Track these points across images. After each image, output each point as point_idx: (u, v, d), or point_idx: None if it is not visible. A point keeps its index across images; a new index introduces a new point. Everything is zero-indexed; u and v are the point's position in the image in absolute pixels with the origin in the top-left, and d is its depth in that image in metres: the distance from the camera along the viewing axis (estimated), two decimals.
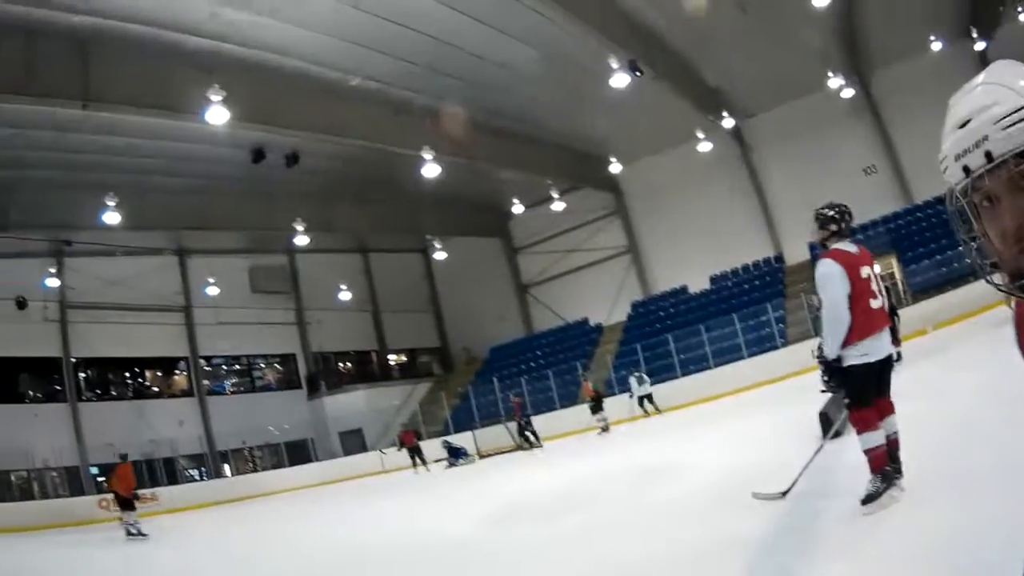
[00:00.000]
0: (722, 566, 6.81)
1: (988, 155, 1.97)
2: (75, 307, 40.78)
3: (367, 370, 54.20)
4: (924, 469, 7.68)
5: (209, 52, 24.59)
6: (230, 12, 24.11)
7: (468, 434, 37.26)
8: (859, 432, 7.35)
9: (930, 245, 33.92)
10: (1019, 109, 1.84)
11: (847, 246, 7.55)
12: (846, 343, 7.28)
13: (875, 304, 7.32)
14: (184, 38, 25.04)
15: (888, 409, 7.50)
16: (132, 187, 33.82)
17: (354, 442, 46.10)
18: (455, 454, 34.26)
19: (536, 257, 52.72)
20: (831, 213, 7.63)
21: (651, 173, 46.17)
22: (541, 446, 31.78)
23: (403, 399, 50.47)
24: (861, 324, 7.22)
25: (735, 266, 43.22)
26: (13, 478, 36.38)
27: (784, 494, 7.39)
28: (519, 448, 33.23)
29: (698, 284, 44.06)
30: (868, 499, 7.07)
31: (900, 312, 22.14)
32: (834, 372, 7.50)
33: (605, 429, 31.02)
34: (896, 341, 20.94)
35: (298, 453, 42.80)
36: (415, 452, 34.93)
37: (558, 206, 43.94)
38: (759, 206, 42.89)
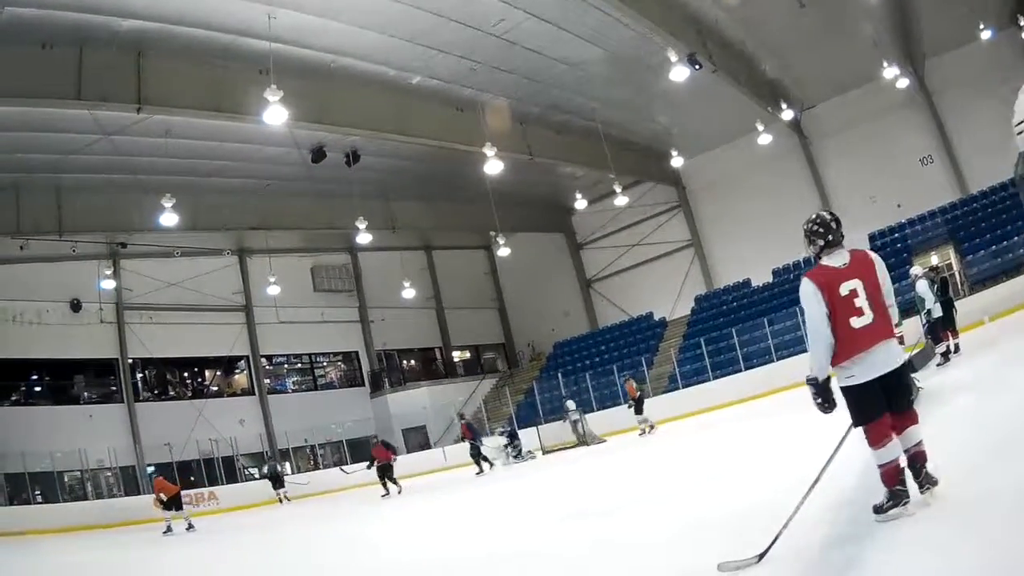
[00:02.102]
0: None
1: None
2: (132, 308, 41.19)
3: (431, 367, 54.34)
4: (979, 465, 7.49)
5: (265, 53, 24.53)
6: (286, 13, 24.14)
7: (532, 430, 36.97)
8: (871, 445, 7.04)
9: (987, 235, 33.36)
10: None
11: (835, 259, 7.19)
12: (833, 364, 7.05)
13: (857, 323, 6.95)
14: (239, 40, 25.22)
15: (906, 422, 7.06)
16: (190, 188, 34.29)
17: (418, 439, 46.15)
18: (513, 441, 34.05)
19: (600, 252, 52.67)
20: (815, 228, 7.30)
21: (713, 166, 46.14)
22: (492, 465, 31.80)
23: (467, 396, 50.38)
24: (844, 345, 6.96)
25: (797, 259, 42.63)
26: (66, 479, 36.65)
27: (760, 557, 6.89)
28: (581, 443, 33.01)
29: (761, 277, 43.65)
30: (876, 510, 6.92)
31: (957, 304, 21.80)
32: (822, 394, 7.14)
33: (649, 429, 30.52)
34: (954, 333, 20.55)
35: (360, 451, 42.77)
36: (384, 472, 30.01)
37: (621, 200, 43.58)
38: (819, 197, 42.40)
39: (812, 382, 7.10)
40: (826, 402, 7.14)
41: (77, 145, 29.42)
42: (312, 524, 23.48)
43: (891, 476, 6.88)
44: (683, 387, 37.61)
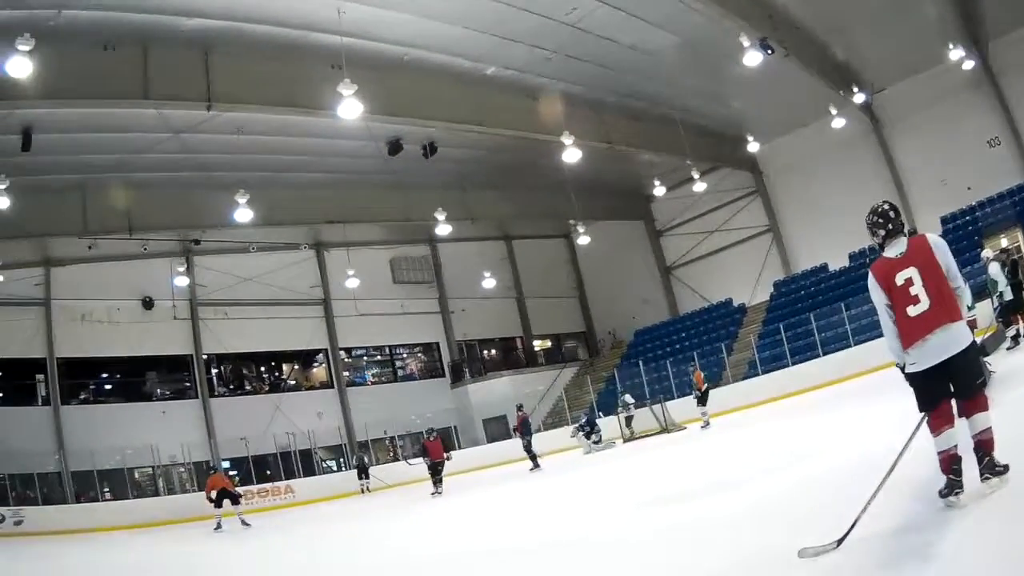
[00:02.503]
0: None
1: None
2: (206, 304, 41.85)
3: (512, 356, 54.39)
4: None
5: (336, 47, 24.71)
6: (355, 7, 24.31)
7: (613, 418, 36.98)
8: (930, 432, 7.14)
9: None
10: None
11: (892, 249, 7.35)
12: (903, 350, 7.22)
13: (913, 311, 7.06)
14: (309, 35, 25.48)
15: (973, 408, 7.07)
16: (264, 184, 34.76)
17: (498, 429, 46.24)
18: (590, 429, 34.06)
19: (679, 239, 52.48)
20: (875, 219, 7.52)
21: (788, 151, 45.78)
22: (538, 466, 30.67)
23: (548, 385, 50.52)
24: (904, 334, 7.13)
25: (872, 243, 42.17)
26: (137, 475, 37.48)
27: (839, 543, 6.89)
28: (664, 431, 32.96)
29: (838, 262, 43.30)
30: (941, 494, 6.94)
31: None
32: (905, 376, 7.35)
33: (704, 424, 30.12)
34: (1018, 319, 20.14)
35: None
36: (436, 470, 28.49)
37: (699, 187, 43.50)
38: (892, 180, 41.91)
39: (899, 367, 7.36)
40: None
41: (145, 144, 30.04)
42: (361, 520, 23.68)
43: (945, 464, 6.96)
44: (762, 373, 37.40)
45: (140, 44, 23.27)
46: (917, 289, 7.05)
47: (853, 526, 6.75)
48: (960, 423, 7.07)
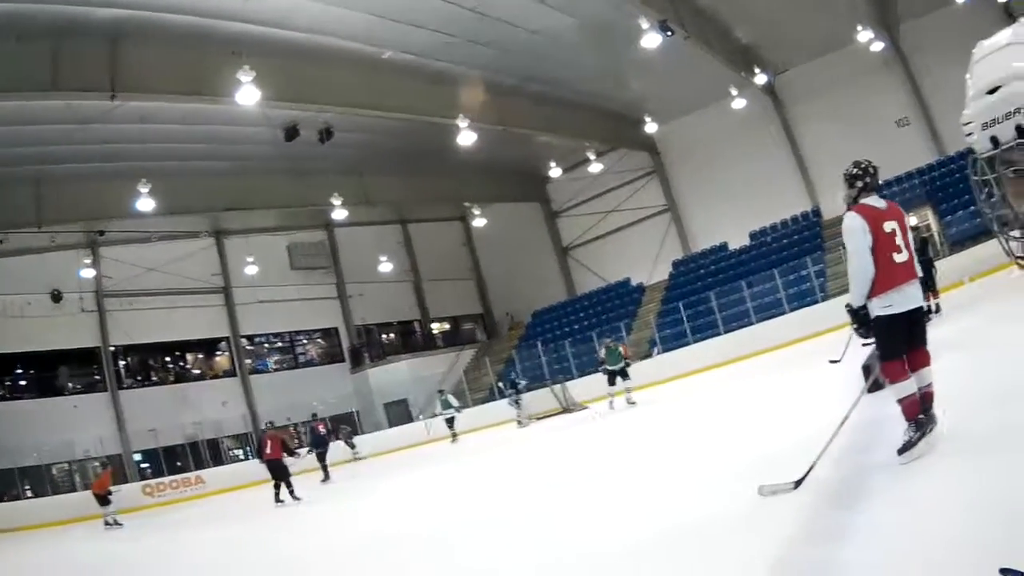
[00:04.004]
0: (766, 524, 6.80)
1: (1019, 129, 1.77)
2: (112, 295, 41.28)
3: (410, 340, 54.19)
4: (964, 420, 7.83)
5: (238, 34, 24.62)
6: None
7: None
8: (890, 382, 7.60)
9: (965, 196, 33.35)
10: None
11: (874, 201, 7.75)
12: (870, 295, 7.56)
13: (898, 258, 7.51)
14: (214, 23, 25.21)
15: (922, 361, 7.67)
16: (165, 173, 34.33)
17: (399, 413, 46.24)
18: (514, 388, 34.09)
19: (576, 219, 52.63)
20: (856, 171, 7.89)
21: (687, 132, 46.13)
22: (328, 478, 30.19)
23: (448, 367, 50.43)
24: (883, 276, 7.46)
25: (774, 221, 42.97)
26: (55, 471, 36.99)
27: (797, 484, 7.32)
28: (566, 411, 33.09)
29: (738, 241, 43.93)
30: (904, 448, 7.26)
31: (937, 264, 21.91)
32: (861, 321, 7.73)
33: (633, 402, 29.09)
34: (935, 293, 20.80)
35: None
36: (280, 475, 22.92)
37: (596, 168, 43.94)
38: (795, 161, 42.75)
39: (850, 309, 7.74)
40: (862, 326, 7.75)
41: (53, 136, 29.51)
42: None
43: (913, 407, 7.39)
44: (663, 351, 37.68)
45: (52, 36, 22.81)
46: (899, 241, 7.53)
47: (810, 470, 7.40)
48: None
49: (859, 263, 7.48)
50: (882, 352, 7.70)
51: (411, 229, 55.63)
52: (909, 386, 7.40)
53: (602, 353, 28.69)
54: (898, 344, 7.56)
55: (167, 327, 42.94)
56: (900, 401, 7.43)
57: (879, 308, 7.51)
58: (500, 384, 37.23)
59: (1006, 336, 12.95)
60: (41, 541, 26.46)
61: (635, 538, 7.75)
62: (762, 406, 16.02)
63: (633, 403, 26.69)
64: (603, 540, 8.08)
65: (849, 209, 7.82)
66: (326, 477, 29.59)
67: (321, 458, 30.18)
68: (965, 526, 5.26)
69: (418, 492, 19.26)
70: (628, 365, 27.98)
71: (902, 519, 5.89)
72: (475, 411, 39.34)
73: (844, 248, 8.06)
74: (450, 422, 35.64)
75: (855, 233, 7.51)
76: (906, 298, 7.52)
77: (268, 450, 22.82)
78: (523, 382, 35.18)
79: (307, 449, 30.48)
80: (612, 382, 27.66)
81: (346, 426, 40.24)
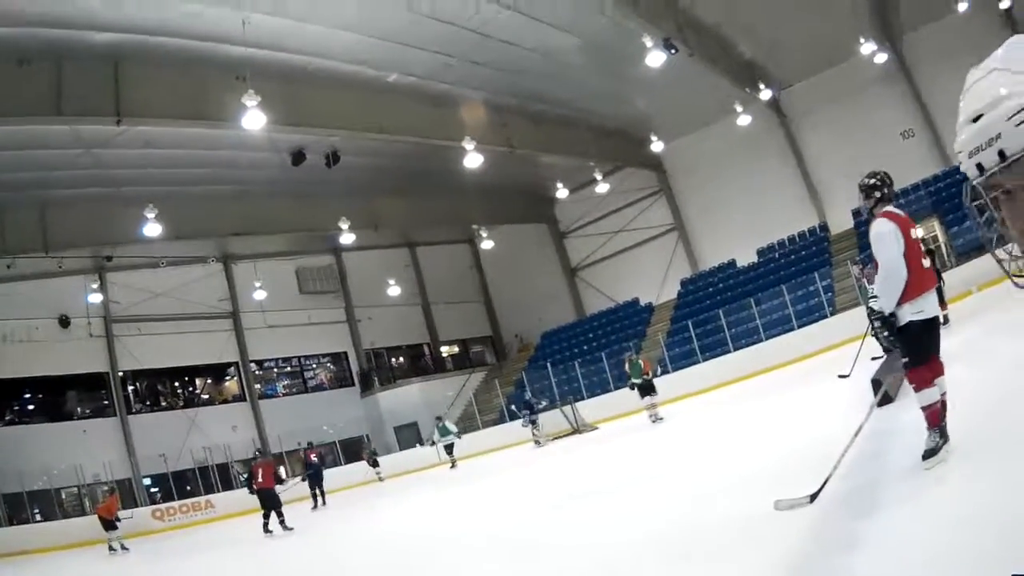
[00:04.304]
0: (780, 535, 6.87)
1: (1001, 154, 1.76)
2: (120, 321, 41.29)
3: (420, 363, 54.09)
4: (973, 431, 7.80)
5: (242, 59, 24.53)
6: (261, 18, 24.02)
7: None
8: (916, 389, 7.53)
9: None
10: None
11: (896, 210, 7.82)
12: (901, 300, 7.50)
13: (926, 263, 7.66)
14: (216, 47, 25.19)
15: (939, 369, 7.64)
16: (172, 198, 34.32)
17: (410, 436, 46.18)
18: (530, 409, 33.86)
19: (583, 240, 52.71)
20: (873, 181, 8.00)
21: (693, 149, 46.10)
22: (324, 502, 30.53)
23: (457, 390, 50.41)
24: (915, 281, 7.46)
25: (781, 238, 42.99)
26: (64, 495, 36.89)
27: (813, 498, 7.30)
28: (576, 431, 33.05)
29: (746, 258, 43.91)
30: (928, 454, 7.27)
31: (945, 275, 21.87)
32: (891, 328, 7.76)
33: (658, 418, 28.45)
34: (942, 304, 20.83)
35: (354, 451, 42.81)
36: (272, 505, 22.18)
37: (602, 188, 43.87)
38: (801, 176, 42.78)
39: (879, 316, 8.21)
40: (892, 334, 7.99)
41: (59, 161, 29.52)
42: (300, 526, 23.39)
43: (937, 415, 7.42)
44: (673, 371, 37.46)
45: (54, 59, 22.87)
46: (922, 249, 7.67)
47: (825, 483, 7.35)
48: None
49: (893, 268, 7.46)
50: (912, 358, 7.60)
51: (419, 252, 55.62)
52: (933, 394, 7.40)
53: (627, 367, 28.43)
54: (932, 346, 7.59)
55: (176, 352, 42.89)
56: (924, 408, 7.43)
57: (911, 314, 7.49)
58: (513, 407, 37.01)
59: (1008, 347, 12.84)
60: (50, 565, 26.46)
61: (652, 549, 7.86)
62: (774, 421, 16.11)
63: (660, 419, 26.14)
64: (618, 549, 8.21)
65: (876, 216, 7.85)
66: (315, 505, 29.65)
67: (312, 485, 30.27)
68: (977, 536, 5.26)
69: (443, 510, 19.44)
70: (650, 379, 27.12)
71: (914, 529, 5.92)
72: (485, 433, 39.66)
73: (853, 262, 8.08)
74: (449, 448, 35.74)
75: (888, 239, 7.52)
76: (931, 304, 7.60)
77: (260, 479, 22.22)
78: (543, 403, 35.03)
79: (299, 478, 30.75)
80: (642, 395, 27.12)
81: (370, 446, 40.15)
